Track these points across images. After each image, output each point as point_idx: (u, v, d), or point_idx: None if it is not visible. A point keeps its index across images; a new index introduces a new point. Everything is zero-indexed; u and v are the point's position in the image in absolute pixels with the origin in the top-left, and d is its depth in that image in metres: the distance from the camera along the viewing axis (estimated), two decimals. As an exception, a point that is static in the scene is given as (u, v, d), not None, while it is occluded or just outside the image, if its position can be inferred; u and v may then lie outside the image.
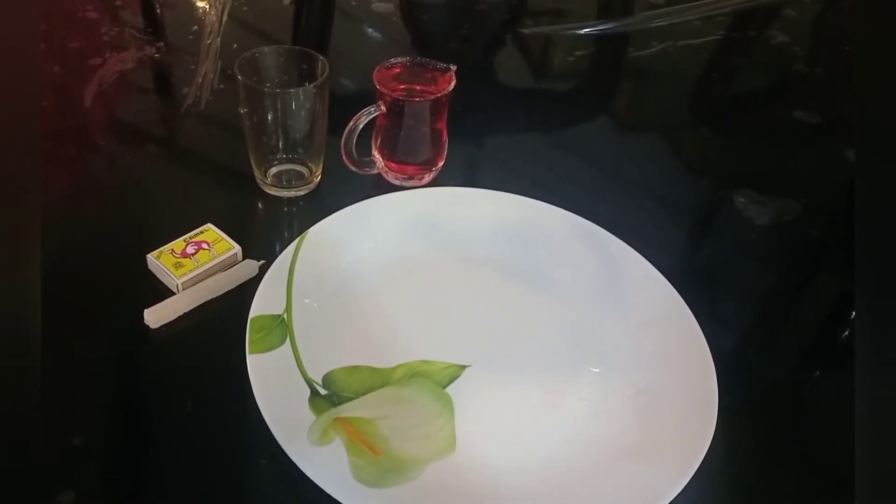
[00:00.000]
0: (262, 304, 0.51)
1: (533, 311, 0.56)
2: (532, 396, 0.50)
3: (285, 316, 0.52)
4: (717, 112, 0.88)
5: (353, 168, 0.65)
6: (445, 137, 0.66)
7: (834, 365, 0.58)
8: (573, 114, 0.85)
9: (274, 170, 0.64)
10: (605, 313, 0.55)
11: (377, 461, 0.44)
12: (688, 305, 0.53)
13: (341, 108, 0.64)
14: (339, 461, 0.43)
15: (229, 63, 0.80)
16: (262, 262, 0.56)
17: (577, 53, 0.93)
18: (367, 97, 0.63)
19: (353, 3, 0.98)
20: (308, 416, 0.46)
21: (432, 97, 0.62)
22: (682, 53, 0.93)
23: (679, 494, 0.42)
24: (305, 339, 0.51)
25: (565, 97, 0.90)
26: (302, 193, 0.65)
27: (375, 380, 0.49)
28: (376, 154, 0.66)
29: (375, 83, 0.61)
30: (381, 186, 0.66)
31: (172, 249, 0.56)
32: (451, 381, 0.50)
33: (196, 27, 0.88)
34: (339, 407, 0.47)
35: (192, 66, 0.80)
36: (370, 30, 0.95)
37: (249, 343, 0.48)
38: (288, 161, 0.64)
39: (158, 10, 0.94)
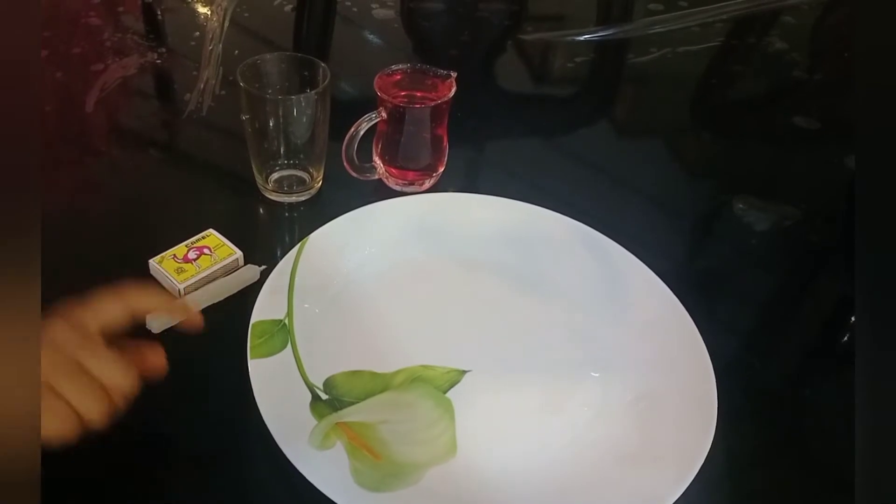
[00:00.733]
0: (264, 309, 0.51)
1: (533, 316, 0.56)
2: (532, 401, 0.50)
3: (286, 321, 0.52)
4: (716, 118, 0.88)
5: (354, 174, 0.65)
6: (446, 143, 0.66)
7: (833, 369, 0.58)
8: (573, 120, 0.86)
9: (275, 175, 0.64)
10: (605, 318, 0.55)
11: (378, 465, 0.45)
12: (688, 310, 0.54)
13: (342, 114, 0.64)
14: (340, 465, 0.44)
15: (231, 69, 0.80)
16: (263, 267, 0.56)
17: (577, 59, 0.94)
18: (368, 103, 0.63)
19: (355, 9, 0.99)
20: (309, 420, 0.46)
21: (433, 104, 0.62)
22: (682, 60, 0.93)
23: (679, 499, 0.43)
24: (306, 344, 0.51)
25: (565, 103, 0.90)
26: (303, 199, 0.65)
27: (376, 384, 0.50)
28: (377, 160, 0.66)
29: (376, 90, 0.62)
30: (381, 192, 0.66)
31: (174, 255, 0.56)
32: (452, 386, 0.50)
33: (198, 33, 0.88)
34: (340, 411, 0.47)
35: (194, 72, 0.81)
36: (371, 36, 0.96)
37: (251, 348, 0.48)
38: (289, 167, 0.64)
39: (160, 16, 0.95)
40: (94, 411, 0.37)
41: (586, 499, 0.44)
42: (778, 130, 0.84)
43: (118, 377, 0.38)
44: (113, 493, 0.44)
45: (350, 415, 0.47)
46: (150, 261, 0.56)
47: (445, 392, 0.50)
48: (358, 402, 0.48)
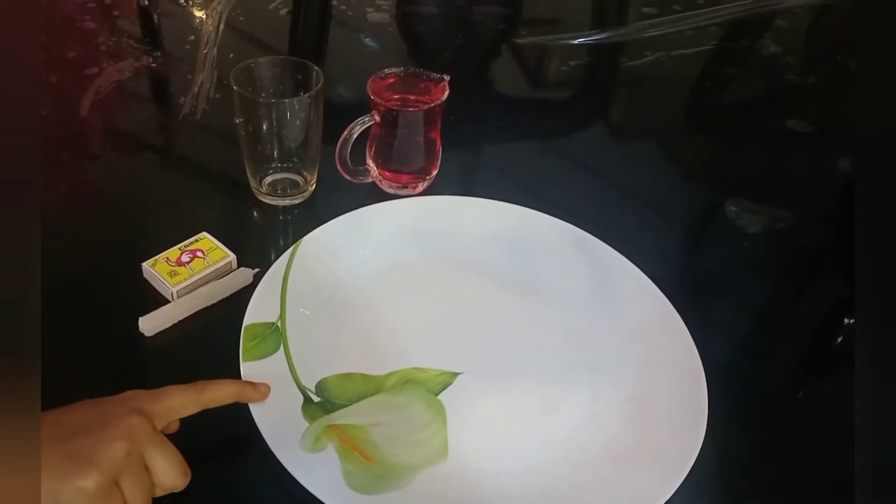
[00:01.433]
0: (256, 311, 0.51)
1: (525, 319, 0.56)
2: (524, 403, 0.50)
3: (279, 324, 0.52)
4: (709, 121, 0.89)
5: (348, 177, 0.65)
6: (439, 146, 0.66)
7: (825, 371, 0.59)
8: (567, 123, 0.86)
9: (269, 178, 0.64)
10: (597, 321, 0.55)
11: (370, 468, 0.45)
12: (680, 313, 0.54)
13: (337, 116, 0.64)
14: (331, 468, 0.44)
15: (226, 73, 0.80)
16: (256, 270, 0.56)
17: (572, 63, 0.94)
18: (363, 106, 0.63)
19: (350, 13, 0.99)
20: (301, 423, 0.46)
21: (426, 107, 0.62)
22: (676, 63, 0.94)
23: (671, 499, 0.43)
24: (299, 347, 0.51)
25: (559, 106, 0.90)
26: (297, 202, 0.65)
27: (368, 387, 0.50)
28: (370, 163, 0.66)
29: (369, 93, 0.62)
30: (375, 195, 0.66)
31: (167, 258, 0.56)
32: (444, 389, 0.50)
33: (193, 37, 0.88)
34: (331, 414, 0.48)
35: (189, 76, 0.81)
36: (366, 39, 0.96)
37: (243, 351, 0.48)
38: (283, 170, 0.64)
39: (156, 20, 0.95)
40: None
41: (578, 499, 0.44)
42: (771, 133, 0.84)
43: (175, 473, 0.39)
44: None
45: (342, 417, 0.47)
46: (144, 264, 0.56)
47: (437, 394, 0.50)
48: (350, 405, 0.48)
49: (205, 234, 0.59)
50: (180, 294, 0.54)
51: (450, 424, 0.48)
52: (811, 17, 1.09)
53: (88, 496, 0.35)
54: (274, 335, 0.51)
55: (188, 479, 0.40)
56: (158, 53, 0.86)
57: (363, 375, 0.50)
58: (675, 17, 1.02)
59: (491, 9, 1.05)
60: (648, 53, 0.95)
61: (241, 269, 0.57)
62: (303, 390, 0.49)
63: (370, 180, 0.67)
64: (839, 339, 0.61)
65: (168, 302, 0.55)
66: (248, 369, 0.47)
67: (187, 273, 0.55)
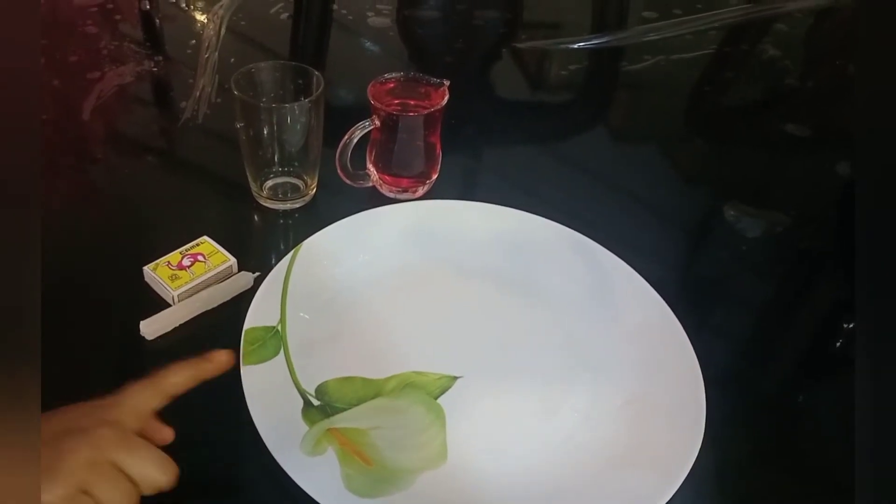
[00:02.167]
0: (257, 315, 0.52)
1: (524, 323, 0.56)
2: (523, 406, 0.50)
3: (279, 327, 0.52)
4: (709, 125, 0.89)
5: (348, 181, 0.66)
6: (439, 151, 0.67)
7: (824, 375, 0.59)
8: (567, 127, 0.86)
9: (269, 182, 0.65)
10: (596, 324, 0.56)
11: (369, 471, 0.45)
12: (680, 316, 0.54)
13: (338, 120, 0.64)
14: (331, 471, 0.44)
15: (227, 77, 0.81)
16: (257, 274, 0.57)
17: (572, 67, 0.94)
18: (364, 110, 0.64)
19: (350, 17, 1.00)
20: (301, 426, 0.46)
21: (426, 112, 0.63)
22: (675, 67, 0.94)
23: (668, 502, 0.43)
24: (299, 351, 0.51)
25: (559, 110, 0.91)
26: (297, 206, 0.65)
27: (368, 391, 0.50)
28: (371, 167, 0.67)
29: (370, 98, 0.62)
30: (375, 199, 0.67)
31: (168, 262, 0.56)
32: (443, 392, 0.50)
33: (194, 41, 0.89)
34: (331, 417, 0.48)
35: (190, 80, 0.81)
36: (367, 43, 0.96)
37: (243, 354, 0.49)
38: (283, 174, 0.65)
39: (158, 24, 0.95)
40: None
41: (576, 502, 0.44)
42: (770, 137, 0.84)
43: (155, 474, 0.39)
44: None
45: (342, 421, 0.48)
46: (145, 268, 0.56)
47: (437, 398, 0.50)
48: (350, 409, 0.49)
49: (206, 238, 0.59)
50: (181, 298, 0.55)
51: (449, 428, 0.48)
52: (811, 22, 1.10)
53: None
54: (274, 339, 0.51)
55: (171, 476, 0.40)
56: (160, 58, 0.86)
57: (363, 379, 0.51)
58: (675, 22, 1.02)
59: (491, 13, 1.06)
60: (648, 57, 0.95)
61: (242, 272, 0.57)
62: (303, 394, 0.49)
63: (370, 184, 0.67)
64: (838, 343, 0.61)
65: (169, 306, 0.55)
66: (248, 373, 0.48)
67: (188, 277, 0.55)
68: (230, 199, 0.67)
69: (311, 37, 1.01)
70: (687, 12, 1.05)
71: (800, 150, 0.82)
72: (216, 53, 0.86)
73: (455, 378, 0.51)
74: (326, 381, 0.50)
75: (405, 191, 0.67)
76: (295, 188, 0.65)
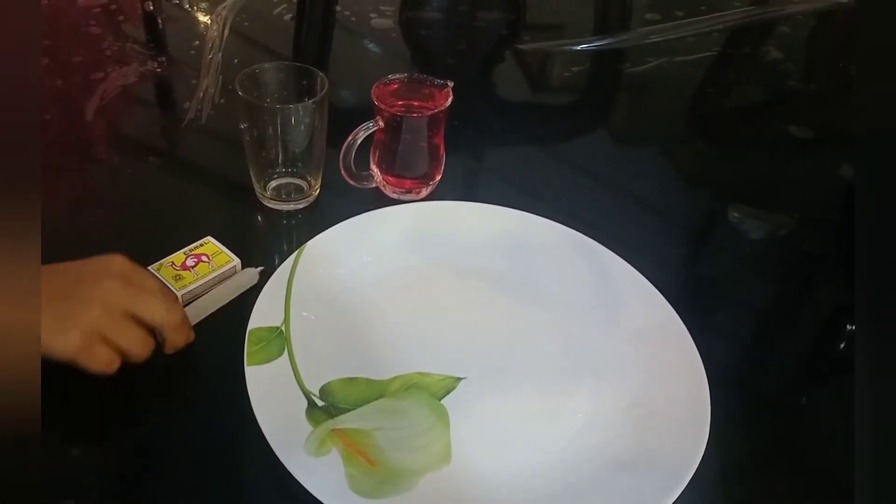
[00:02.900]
0: (261, 316, 0.52)
1: (528, 324, 0.56)
2: (527, 408, 0.50)
3: (283, 328, 0.52)
4: (712, 127, 0.89)
5: (352, 182, 0.66)
6: (443, 152, 0.67)
7: (827, 377, 0.59)
8: (570, 128, 0.86)
9: (273, 183, 0.65)
10: (599, 326, 0.56)
11: (373, 472, 0.45)
12: (682, 318, 0.54)
13: (341, 121, 0.64)
14: (335, 472, 0.44)
15: (230, 78, 0.81)
16: (261, 268, 0.57)
17: (574, 69, 0.94)
18: (367, 111, 0.64)
19: (353, 18, 1.00)
20: (305, 427, 0.46)
21: (429, 113, 0.63)
22: (678, 69, 0.94)
23: (672, 505, 0.43)
24: (303, 351, 0.51)
25: (562, 112, 0.91)
26: (301, 207, 0.65)
27: (372, 391, 0.50)
28: (374, 168, 0.67)
29: (374, 99, 0.62)
30: (379, 200, 0.67)
31: (172, 262, 0.56)
32: (447, 393, 0.50)
33: (198, 42, 0.89)
34: (335, 418, 0.48)
35: (194, 81, 0.82)
36: (370, 45, 0.96)
37: (248, 355, 0.49)
38: (287, 175, 0.65)
39: (160, 25, 0.95)
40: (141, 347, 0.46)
41: (580, 505, 0.44)
42: (773, 139, 0.84)
43: (164, 314, 0.46)
44: (110, 499, 0.44)
45: (346, 421, 0.48)
46: (149, 268, 0.56)
47: (440, 399, 0.50)
48: (353, 409, 0.49)
49: (209, 238, 0.59)
50: (185, 298, 0.55)
51: (453, 429, 0.48)
52: (813, 24, 1.10)
53: (73, 351, 0.43)
54: (278, 339, 0.51)
55: (180, 312, 0.48)
56: (163, 58, 0.86)
57: (367, 380, 0.51)
58: (678, 24, 1.02)
59: (494, 15, 1.06)
60: (651, 59, 0.95)
61: (247, 269, 0.57)
62: (307, 394, 0.49)
63: (374, 185, 0.67)
64: (842, 345, 0.61)
65: (173, 306, 0.55)
66: (252, 373, 0.48)
67: (192, 277, 0.55)
68: (234, 200, 0.67)
69: (314, 38, 1.01)
70: (689, 14, 1.05)
71: (803, 152, 0.82)
72: (220, 54, 0.86)
73: (459, 379, 0.51)
74: (330, 382, 0.50)
75: (409, 192, 0.67)
76: (299, 189, 0.65)
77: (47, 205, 0.63)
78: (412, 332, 0.55)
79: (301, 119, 0.60)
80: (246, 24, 0.94)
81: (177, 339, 0.48)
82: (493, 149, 0.79)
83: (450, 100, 0.63)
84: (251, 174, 0.64)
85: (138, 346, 0.46)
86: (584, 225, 0.62)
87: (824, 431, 0.53)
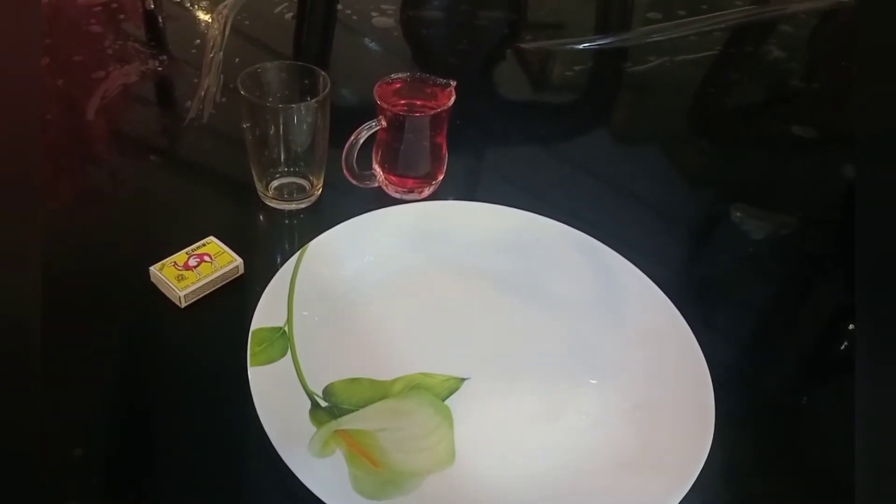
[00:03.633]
0: (264, 316, 0.52)
1: (531, 324, 0.56)
2: (531, 409, 0.50)
3: (286, 328, 0.52)
4: (714, 126, 0.89)
5: (354, 181, 0.65)
6: (445, 151, 0.66)
7: (831, 377, 0.59)
8: (572, 127, 0.86)
9: (275, 183, 0.65)
10: (603, 326, 0.56)
11: (377, 473, 0.45)
12: (685, 318, 0.54)
13: (342, 120, 0.64)
14: (339, 473, 0.44)
15: (232, 77, 0.81)
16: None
17: (576, 68, 0.94)
18: (368, 110, 0.64)
19: (354, 17, 0.99)
20: (309, 428, 0.46)
21: (432, 112, 0.63)
22: (680, 68, 0.94)
23: (676, 507, 0.43)
24: (306, 352, 0.51)
25: (564, 111, 0.90)
26: (303, 206, 0.65)
27: (375, 392, 0.50)
28: (377, 168, 0.67)
29: (376, 98, 0.62)
30: (381, 200, 0.66)
31: (175, 262, 0.56)
32: (451, 394, 0.50)
33: (199, 41, 0.89)
34: (339, 419, 0.48)
35: (195, 80, 0.81)
36: (371, 44, 0.96)
37: (250, 355, 0.49)
38: (289, 174, 0.64)
39: (161, 24, 0.95)
40: None
41: (584, 506, 0.44)
42: (775, 139, 0.84)
43: None
44: (113, 500, 0.44)
45: (349, 422, 0.48)
46: (151, 268, 0.56)
47: (444, 400, 0.50)
48: (357, 410, 0.49)
49: (212, 238, 0.59)
50: (188, 298, 0.55)
51: (457, 430, 0.48)
52: (815, 23, 1.10)
53: None
54: (281, 340, 0.51)
55: None
56: (164, 57, 0.86)
57: (370, 380, 0.50)
58: (680, 23, 1.02)
59: (495, 13, 1.06)
60: (653, 58, 0.95)
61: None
62: (310, 395, 0.49)
63: (376, 185, 0.67)
64: (845, 345, 0.61)
65: (176, 307, 0.55)
66: (255, 374, 0.48)
67: (195, 277, 0.55)
68: (235, 200, 0.67)
69: (315, 37, 1.01)
70: (691, 13, 1.05)
71: (805, 151, 0.82)
72: (221, 53, 0.86)
73: (462, 380, 0.51)
74: (333, 383, 0.50)
75: (411, 191, 0.67)
76: (301, 188, 0.65)
77: (48, 204, 0.63)
78: (415, 332, 0.54)
79: (303, 118, 0.60)
80: (247, 22, 0.93)
81: None
82: (494, 148, 0.79)
83: (453, 99, 0.63)
84: (253, 174, 0.64)
85: None
86: (586, 224, 0.62)
87: (828, 432, 0.53)
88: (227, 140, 0.74)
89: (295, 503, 0.43)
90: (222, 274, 0.56)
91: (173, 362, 0.52)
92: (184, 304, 0.55)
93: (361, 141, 0.63)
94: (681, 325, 0.53)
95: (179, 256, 0.57)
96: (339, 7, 1.02)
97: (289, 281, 0.55)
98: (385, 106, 0.62)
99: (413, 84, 0.65)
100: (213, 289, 0.56)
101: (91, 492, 0.44)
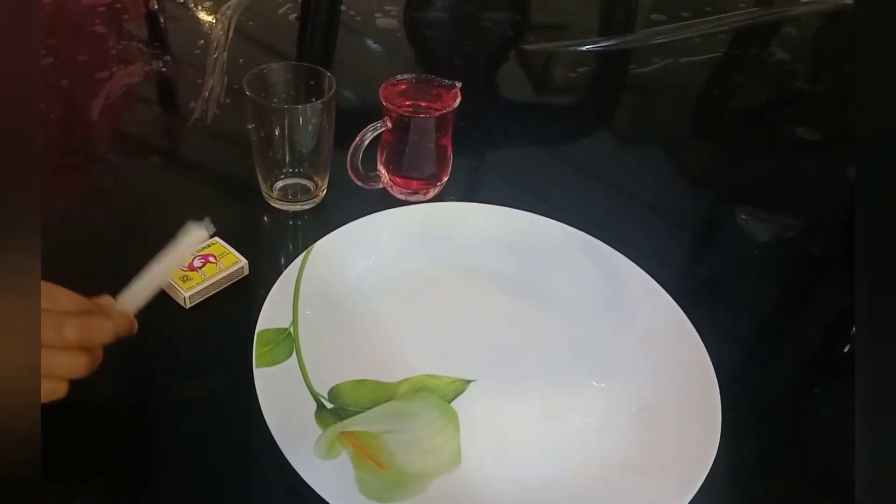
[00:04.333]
0: (269, 317, 0.51)
1: (537, 326, 0.56)
2: (537, 411, 0.50)
3: (292, 329, 0.52)
4: (718, 128, 0.89)
5: (359, 183, 0.65)
6: (450, 153, 0.66)
7: (836, 379, 0.58)
8: (575, 129, 0.86)
9: (280, 184, 0.65)
10: (609, 328, 0.55)
11: (383, 475, 0.45)
12: (690, 320, 0.54)
13: (345, 121, 0.64)
14: (345, 475, 0.44)
15: (236, 77, 0.81)
16: (213, 231, 0.51)
17: (580, 69, 0.94)
18: (371, 111, 0.64)
19: (358, 18, 0.99)
20: (314, 429, 0.46)
21: (437, 114, 0.62)
22: (684, 70, 0.94)
23: (684, 510, 0.43)
24: (312, 353, 0.51)
25: (567, 113, 0.90)
26: (307, 207, 0.65)
27: (381, 394, 0.50)
28: (381, 169, 0.66)
29: (382, 99, 0.62)
30: (386, 201, 0.66)
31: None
32: (457, 396, 0.50)
33: (203, 41, 0.88)
34: (345, 421, 0.48)
35: (199, 80, 0.81)
36: (374, 45, 0.96)
37: (256, 357, 0.48)
38: (294, 175, 0.64)
39: (163, 24, 0.95)
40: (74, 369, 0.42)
41: (591, 509, 0.44)
42: (780, 141, 0.84)
43: (91, 333, 0.42)
44: (118, 503, 0.44)
45: (355, 424, 0.47)
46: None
47: (450, 402, 0.50)
48: (363, 412, 0.48)
49: (216, 238, 0.59)
50: (193, 299, 0.54)
51: (463, 432, 0.48)
52: (819, 25, 1.10)
53: None
54: (286, 341, 0.51)
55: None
56: (168, 58, 0.86)
57: (376, 382, 0.50)
58: (684, 25, 1.02)
59: (498, 15, 1.06)
60: (657, 60, 0.95)
61: (192, 224, 0.50)
62: (316, 397, 0.49)
63: (381, 186, 0.67)
64: (850, 347, 0.61)
65: (181, 308, 0.55)
66: (261, 375, 0.47)
67: (199, 278, 0.55)
68: (240, 201, 0.67)
69: (319, 37, 1.01)
70: (695, 15, 1.04)
71: (810, 153, 0.82)
72: (225, 53, 0.86)
73: (468, 382, 0.51)
74: (339, 384, 0.50)
75: (416, 193, 0.67)
76: (305, 189, 0.65)
77: (52, 204, 0.63)
78: (420, 333, 0.54)
79: (309, 119, 0.60)
80: (251, 23, 0.93)
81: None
82: (499, 150, 0.79)
83: (458, 100, 0.63)
84: (258, 174, 0.64)
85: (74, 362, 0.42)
86: (591, 226, 0.61)
87: (834, 434, 0.53)
88: (232, 141, 0.74)
89: (301, 505, 0.43)
90: (227, 275, 0.56)
91: (178, 363, 0.52)
92: (189, 305, 0.55)
93: (367, 142, 0.63)
94: (686, 327, 0.53)
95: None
96: (343, 8, 1.02)
97: (294, 282, 0.55)
98: (391, 107, 0.62)
99: (418, 85, 0.65)
100: (218, 290, 0.56)
101: (96, 494, 0.44)
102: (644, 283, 0.57)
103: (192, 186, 0.70)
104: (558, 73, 0.96)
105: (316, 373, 0.50)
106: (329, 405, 0.48)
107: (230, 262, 0.57)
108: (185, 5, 0.98)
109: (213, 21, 0.93)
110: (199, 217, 0.64)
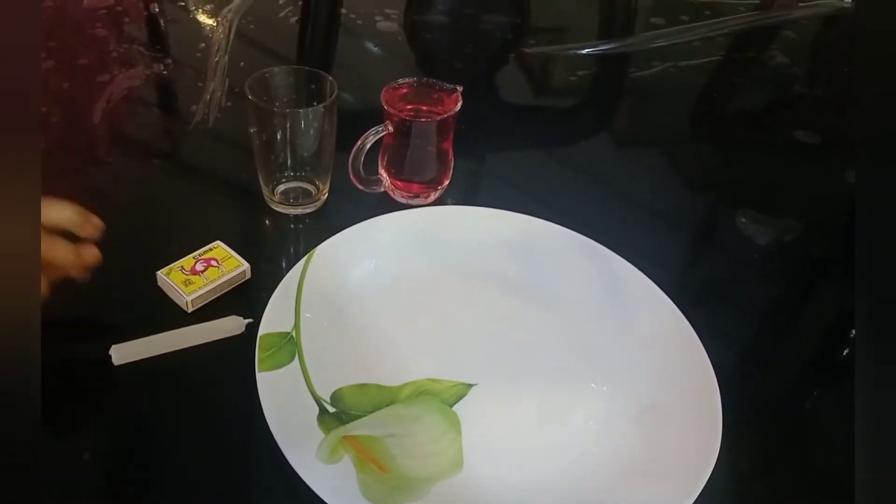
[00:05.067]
0: (271, 321, 0.52)
1: (537, 329, 0.56)
2: (538, 415, 0.50)
3: (294, 334, 0.52)
4: (717, 131, 0.89)
5: (360, 186, 0.65)
6: (451, 157, 0.67)
7: (836, 381, 0.59)
8: (575, 132, 0.86)
9: (282, 187, 0.65)
10: (609, 331, 0.56)
11: (385, 479, 0.45)
12: (690, 323, 0.54)
13: (345, 124, 0.64)
14: (347, 479, 0.44)
15: (237, 80, 0.81)
16: (249, 320, 0.53)
17: (580, 73, 0.94)
18: (371, 114, 0.64)
19: (359, 21, 1.00)
20: (317, 433, 0.46)
21: (439, 118, 0.63)
22: (683, 73, 0.94)
23: (685, 512, 0.43)
24: (314, 357, 0.51)
25: (567, 116, 0.91)
26: (309, 211, 0.65)
27: (383, 398, 0.50)
28: (383, 172, 0.67)
29: (383, 103, 0.62)
30: (387, 204, 0.67)
31: (182, 266, 0.56)
32: (458, 400, 0.50)
33: (204, 44, 0.89)
34: (347, 425, 0.48)
35: (200, 84, 0.81)
36: (375, 48, 0.96)
37: (258, 361, 0.49)
38: (295, 179, 0.65)
39: (163, 27, 0.95)
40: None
41: (593, 512, 0.44)
42: (779, 144, 0.84)
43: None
44: (121, 505, 0.44)
45: (357, 428, 0.48)
46: (158, 273, 0.56)
47: (452, 405, 0.50)
48: (365, 416, 0.49)
49: (218, 242, 0.59)
50: (195, 303, 0.55)
51: (465, 436, 0.48)
52: (818, 28, 1.10)
53: None
54: (289, 345, 0.51)
55: None
56: (169, 61, 0.86)
57: (378, 386, 0.51)
58: (683, 28, 1.02)
59: (499, 18, 1.06)
60: (656, 64, 0.95)
61: (233, 316, 0.53)
62: (318, 401, 0.49)
63: (382, 190, 0.67)
64: (849, 349, 0.61)
65: (182, 312, 0.55)
66: (263, 379, 0.48)
67: (202, 282, 0.55)
68: (242, 204, 0.67)
69: (319, 40, 1.01)
70: (694, 19, 1.05)
71: (809, 156, 0.82)
72: (226, 57, 0.86)
73: (470, 385, 0.51)
74: (341, 388, 0.50)
75: (417, 196, 0.67)
76: (307, 193, 0.65)
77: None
78: (422, 337, 0.55)
79: (310, 123, 0.60)
80: (251, 26, 0.93)
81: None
82: (499, 153, 0.79)
83: (459, 104, 0.63)
84: (259, 178, 0.64)
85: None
86: (591, 229, 0.62)
87: (835, 436, 0.53)
88: (233, 144, 0.74)
89: (303, 509, 0.43)
90: (229, 278, 0.56)
91: (181, 368, 0.52)
92: (191, 309, 0.55)
93: (368, 146, 0.63)
94: (686, 329, 0.53)
95: (186, 261, 0.57)
96: (343, 11, 1.03)
97: (296, 286, 0.55)
98: (392, 111, 0.62)
99: (419, 89, 0.65)
100: (221, 293, 0.56)
101: (97, 496, 0.44)
102: (644, 285, 0.57)
103: (194, 190, 0.70)
104: (558, 77, 0.96)
105: (318, 377, 0.50)
106: (331, 409, 0.48)
107: (232, 266, 0.57)
108: (185, 8, 0.98)
109: (214, 24, 0.93)
110: (200, 221, 0.64)
